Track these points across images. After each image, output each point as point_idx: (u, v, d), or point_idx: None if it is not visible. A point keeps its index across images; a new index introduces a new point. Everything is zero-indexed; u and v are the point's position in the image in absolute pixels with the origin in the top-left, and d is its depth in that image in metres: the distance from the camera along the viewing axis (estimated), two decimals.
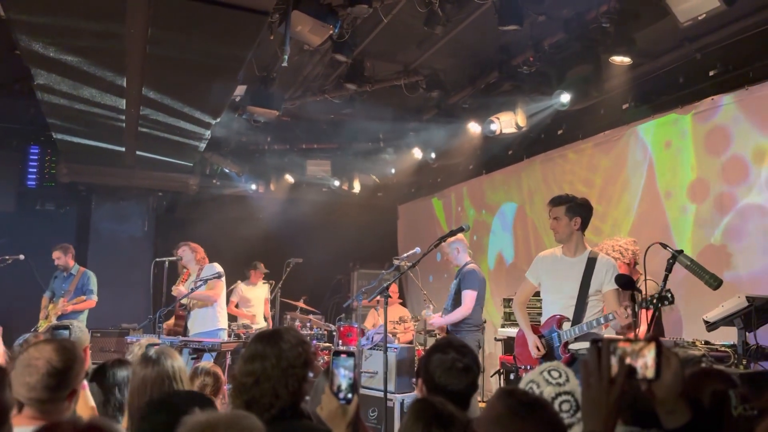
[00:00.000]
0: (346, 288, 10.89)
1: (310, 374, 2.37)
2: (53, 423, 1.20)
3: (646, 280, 3.68)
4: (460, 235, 5.69)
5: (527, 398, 1.80)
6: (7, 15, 4.38)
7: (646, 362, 1.46)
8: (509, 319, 6.69)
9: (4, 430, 1.43)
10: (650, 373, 1.46)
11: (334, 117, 8.20)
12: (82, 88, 5.50)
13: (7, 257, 7.42)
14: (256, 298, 8.56)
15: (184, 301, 6.29)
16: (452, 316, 5.78)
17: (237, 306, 8.48)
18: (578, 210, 4.18)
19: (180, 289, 6.30)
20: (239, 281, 8.57)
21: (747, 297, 4.16)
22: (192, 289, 6.05)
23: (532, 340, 4.25)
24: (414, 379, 3.05)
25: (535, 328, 4.35)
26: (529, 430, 1.67)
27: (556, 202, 4.24)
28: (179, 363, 2.63)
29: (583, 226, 4.21)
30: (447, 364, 2.36)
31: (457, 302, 5.93)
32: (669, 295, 3.54)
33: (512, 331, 6.04)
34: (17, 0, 4.19)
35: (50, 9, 4.21)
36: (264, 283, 8.70)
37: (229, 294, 7.92)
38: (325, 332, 7.51)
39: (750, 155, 5.33)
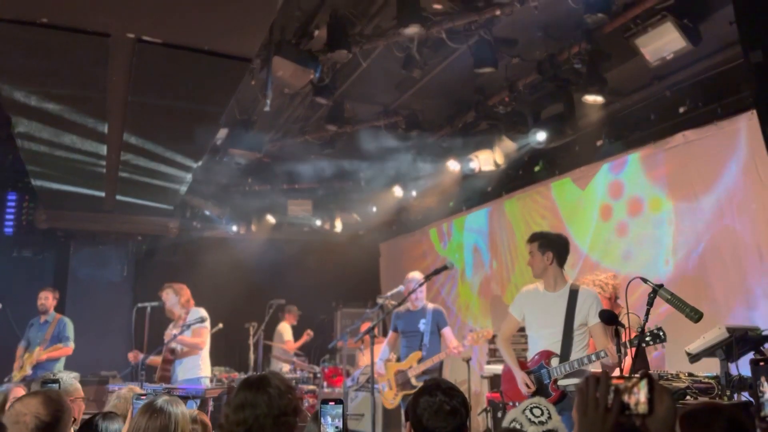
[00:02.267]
0: (330, 328, 10.81)
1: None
2: None
3: (628, 313, 3.72)
4: (420, 276, 5.80)
5: None
6: None
7: (638, 398, 1.48)
8: (494, 356, 6.69)
9: None
10: (643, 409, 1.48)
11: (315, 157, 8.28)
12: (62, 135, 5.50)
13: None
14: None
15: (173, 344, 6.20)
16: (458, 348, 5.89)
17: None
18: (550, 245, 4.27)
19: (172, 333, 6.21)
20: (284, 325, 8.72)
21: (727, 328, 4.22)
22: (175, 336, 5.97)
23: (521, 377, 4.24)
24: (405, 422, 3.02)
25: (522, 364, 4.36)
26: None
27: (530, 238, 4.39)
28: (184, 409, 2.60)
29: (559, 261, 4.27)
30: (435, 407, 2.33)
31: (436, 340, 6.01)
32: (661, 334, 3.60)
33: (498, 368, 6.04)
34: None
35: (32, 57, 4.23)
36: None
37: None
38: (310, 375, 7.42)
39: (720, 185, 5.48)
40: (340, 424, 2.19)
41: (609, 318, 3.40)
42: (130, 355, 6.29)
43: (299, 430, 2.42)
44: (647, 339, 3.63)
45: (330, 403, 2.22)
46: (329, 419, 2.20)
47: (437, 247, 9.77)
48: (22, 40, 4.00)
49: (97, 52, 4.12)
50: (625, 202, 6.45)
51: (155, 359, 6.33)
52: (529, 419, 2.51)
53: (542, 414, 2.47)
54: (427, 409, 2.34)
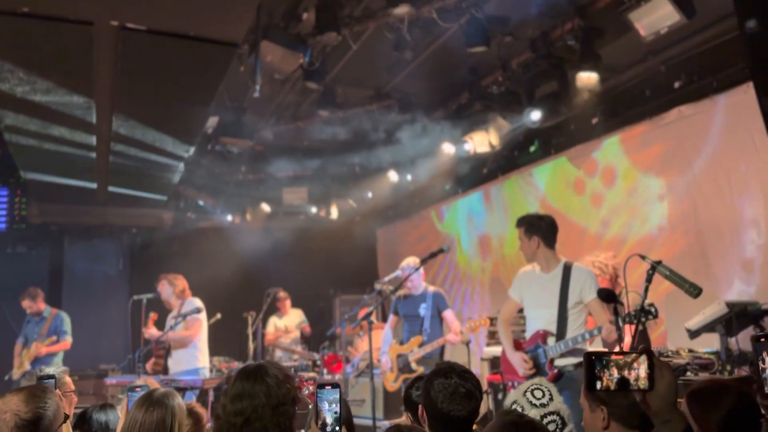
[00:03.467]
0: (328, 315, 10.79)
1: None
2: None
3: (627, 292, 3.69)
4: (416, 261, 5.76)
5: (521, 419, 1.80)
6: None
7: (638, 374, 1.49)
8: (493, 338, 6.67)
9: None
10: (643, 384, 1.48)
11: (308, 144, 8.21)
12: (50, 126, 5.42)
13: None
14: (284, 328, 8.63)
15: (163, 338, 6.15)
16: (457, 337, 5.89)
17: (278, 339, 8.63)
18: (534, 229, 4.27)
19: (151, 331, 6.15)
20: (271, 317, 8.67)
21: (726, 303, 4.21)
22: (171, 327, 5.93)
23: (518, 358, 4.23)
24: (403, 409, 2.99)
25: (519, 344, 4.35)
26: None
27: (517, 223, 4.39)
28: (180, 402, 2.56)
29: (546, 242, 4.26)
30: (450, 389, 2.31)
31: (437, 324, 5.97)
32: (653, 309, 3.56)
33: (497, 350, 6.02)
34: None
35: (15, 48, 4.15)
36: (294, 308, 8.95)
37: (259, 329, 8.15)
38: (309, 362, 7.41)
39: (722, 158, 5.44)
40: (338, 408, 2.16)
41: (607, 296, 3.37)
42: (146, 333, 6.20)
43: (299, 418, 2.39)
44: (638, 316, 3.60)
45: (327, 388, 2.19)
46: (326, 404, 2.17)
47: (434, 230, 9.73)
48: (4, 31, 3.92)
49: (81, 41, 4.04)
50: (622, 180, 6.40)
51: (149, 363, 6.29)
52: (530, 402, 2.48)
53: (543, 396, 2.43)
54: (443, 392, 2.31)
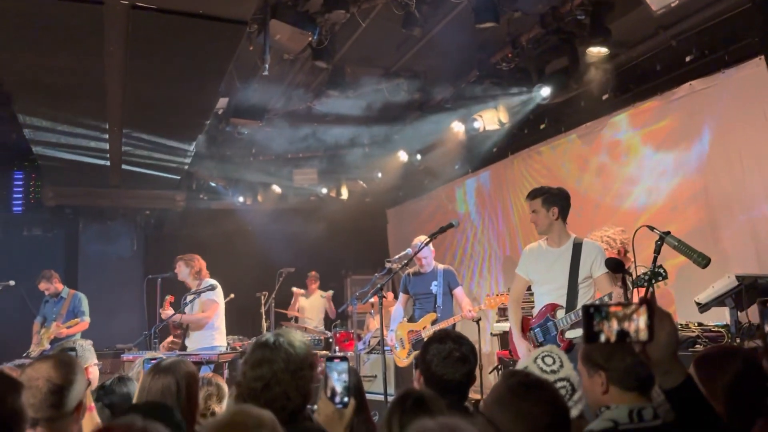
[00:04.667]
0: (340, 295, 10.87)
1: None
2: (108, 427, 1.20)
3: (635, 263, 3.71)
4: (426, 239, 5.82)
5: (528, 379, 1.83)
6: None
7: (638, 325, 1.47)
8: (503, 315, 6.72)
9: None
10: (643, 336, 1.47)
11: (318, 124, 8.22)
12: (63, 109, 5.48)
13: None
14: (311, 307, 8.75)
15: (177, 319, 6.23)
16: (472, 312, 5.91)
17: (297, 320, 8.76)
18: (554, 200, 4.21)
19: (167, 312, 6.20)
20: (298, 291, 9.02)
21: (736, 276, 4.21)
22: (186, 304, 6.00)
23: (525, 348, 4.25)
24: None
25: (528, 320, 4.37)
26: (528, 410, 1.70)
27: (531, 195, 4.30)
28: (190, 369, 2.62)
29: (563, 215, 4.23)
30: (444, 354, 2.38)
31: (448, 301, 6.02)
32: (662, 271, 3.58)
33: (507, 326, 6.06)
34: None
35: (26, 30, 4.19)
36: (320, 291, 9.18)
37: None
38: (322, 339, 7.50)
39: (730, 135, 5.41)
40: (347, 379, 2.21)
41: (615, 265, 3.39)
42: (162, 313, 6.27)
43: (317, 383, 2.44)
44: (647, 278, 3.61)
45: (335, 360, 2.24)
46: (335, 375, 2.21)
47: (444, 210, 9.75)
48: (15, 12, 3.96)
49: (92, 20, 4.08)
50: (633, 156, 6.38)
51: (166, 341, 6.35)
52: (541, 368, 2.51)
53: (554, 362, 2.46)
54: (437, 356, 2.37)
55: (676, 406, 1.61)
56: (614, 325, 1.49)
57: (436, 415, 1.81)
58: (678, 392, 1.57)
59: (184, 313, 6.10)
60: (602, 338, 1.49)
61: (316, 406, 2.38)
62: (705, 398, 1.61)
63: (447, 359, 2.37)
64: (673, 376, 1.55)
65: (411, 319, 6.27)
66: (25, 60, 4.60)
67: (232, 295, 7.23)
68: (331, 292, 9.37)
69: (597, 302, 3.93)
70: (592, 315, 1.49)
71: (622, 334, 1.48)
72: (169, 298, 6.41)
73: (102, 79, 4.95)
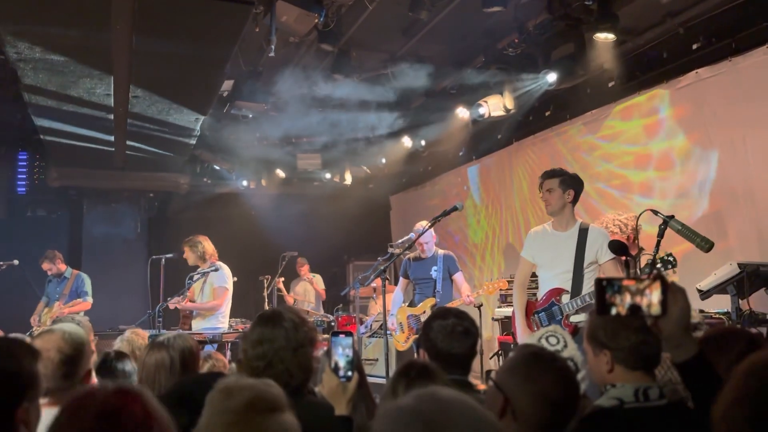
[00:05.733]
0: (342, 281, 10.92)
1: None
2: (76, 396, 1.22)
3: (640, 248, 3.72)
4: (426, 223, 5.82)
5: (541, 351, 1.85)
6: None
7: (651, 300, 1.48)
8: (506, 301, 6.74)
9: (34, 405, 1.46)
10: (656, 310, 1.48)
11: (322, 109, 8.20)
12: (69, 87, 5.48)
13: (1, 263, 7.38)
14: (304, 291, 8.81)
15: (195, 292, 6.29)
16: (471, 297, 5.94)
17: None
18: (571, 183, 4.21)
19: (184, 305, 6.20)
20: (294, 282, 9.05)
21: (738, 264, 4.22)
22: (189, 282, 6.03)
23: (525, 337, 4.27)
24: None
25: (532, 304, 4.37)
26: (537, 375, 1.72)
27: (549, 174, 4.26)
28: (187, 344, 2.65)
29: (575, 200, 4.24)
30: (448, 329, 2.42)
31: (448, 286, 6.06)
32: (671, 259, 3.59)
33: (509, 311, 6.09)
34: (1, 8, 4.18)
35: (34, 7, 4.19)
36: (311, 273, 9.24)
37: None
38: (324, 321, 7.54)
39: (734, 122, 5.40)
40: (351, 354, 2.23)
41: (617, 247, 3.39)
42: (172, 303, 6.28)
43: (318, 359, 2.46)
44: (658, 266, 3.62)
45: (340, 335, 2.26)
46: (340, 349, 2.23)
47: (448, 196, 9.75)
48: None
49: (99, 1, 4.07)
50: (638, 144, 6.37)
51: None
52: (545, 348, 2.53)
53: (558, 342, 2.47)
54: (441, 332, 2.41)
55: (688, 379, 1.63)
56: (627, 299, 1.50)
57: (439, 384, 1.84)
58: (690, 365, 1.60)
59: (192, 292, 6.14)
60: (613, 311, 1.50)
61: (318, 388, 2.40)
62: (716, 371, 1.62)
63: (451, 333, 2.41)
64: (684, 349, 1.57)
65: (411, 304, 6.30)
66: (32, 37, 4.60)
67: (235, 279, 7.26)
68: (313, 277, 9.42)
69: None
70: (605, 288, 1.51)
71: (635, 308, 1.49)
72: (189, 294, 6.38)
73: (108, 57, 4.95)
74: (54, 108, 6.00)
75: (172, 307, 6.16)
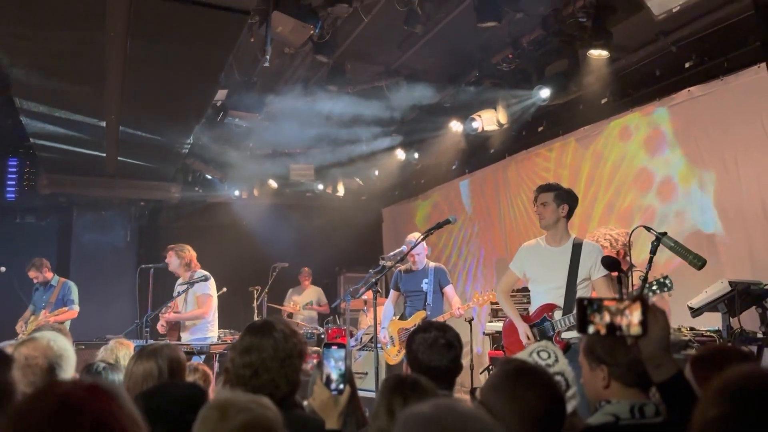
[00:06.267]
0: (333, 292, 10.86)
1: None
2: (45, 384, 1.17)
3: (631, 264, 3.71)
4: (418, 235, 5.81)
5: (524, 365, 1.83)
6: None
7: (630, 320, 1.50)
8: (497, 315, 6.72)
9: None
10: (636, 330, 1.50)
11: (316, 120, 8.20)
12: (62, 94, 5.45)
13: None
14: (303, 303, 8.79)
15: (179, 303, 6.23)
16: (461, 310, 5.91)
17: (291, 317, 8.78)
18: (566, 197, 4.22)
19: (168, 316, 6.16)
20: (291, 290, 8.96)
21: (729, 282, 4.22)
22: (179, 293, 5.98)
23: (523, 329, 4.25)
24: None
25: (525, 318, 4.36)
26: (522, 393, 1.70)
27: (544, 188, 4.28)
28: (175, 355, 2.61)
29: (569, 215, 4.24)
30: (429, 341, 2.42)
31: (439, 299, 6.05)
32: (668, 282, 3.59)
33: (499, 326, 6.07)
34: None
35: (29, 13, 4.17)
36: (313, 286, 9.23)
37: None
38: (314, 333, 7.48)
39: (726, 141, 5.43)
40: (343, 366, 2.20)
41: (610, 263, 3.39)
42: (160, 328, 6.24)
43: (306, 372, 2.43)
44: (653, 288, 3.62)
45: (333, 347, 2.23)
46: (332, 362, 2.21)
47: (440, 210, 9.75)
48: None
49: (94, 6, 4.06)
50: (630, 161, 6.40)
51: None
52: (536, 363, 2.51)
53: (549, 357, 2.46)
54: (422, 344, 2.41)
55: (668, 398, 1.64)
56: (606, 318, 1.52)
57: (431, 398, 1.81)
58: (669, 385, 1.61)
59: (176, 304, 6.09)
60: (591, 329, 1.52)
61: (306, 402, 2.37)
62: (695, 391, 1.64)
63: (433, 346, 2.42)
64: (664, 369, 1.58)
65: (402, 317, 6.27)
66: (25, 42, 4.58)
67: (225, 289, 7.21)
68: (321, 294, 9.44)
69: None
70: (586, 307, 1.54)
71: (613, 328, 1.51)
72: (172, 304, 6.34)
73: (102, 64, 4.92)
74: (46, 114, 5.95)
75: (164, 321, 6.12)
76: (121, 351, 3.58)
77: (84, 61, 4.90)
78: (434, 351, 2.41)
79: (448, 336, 2.46)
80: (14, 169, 9.53)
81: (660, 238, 3.41)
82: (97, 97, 5.59)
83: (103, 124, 6.29)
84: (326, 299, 9.37)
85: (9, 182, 9.52)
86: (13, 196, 9.51)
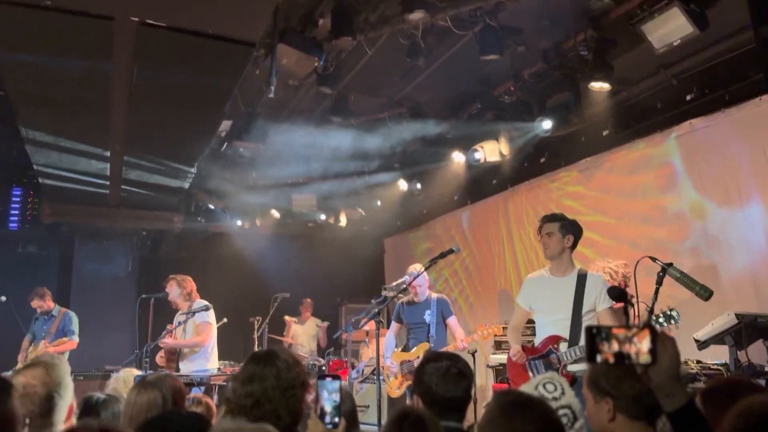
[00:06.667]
0: (334, 323, 10.78)
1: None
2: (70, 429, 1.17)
3: (638, 299, 3.68)
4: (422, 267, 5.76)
5: (520, 398, 1.80)
6: None
7: (639, 348, 1.47)
8: (500, 347, 6.66)
9: None
10: (645, 359, 1.47)
11: (319, 150, 8.25)
12: (67, 124, 5.49)
13: None
14: (304, 334, 8.72)
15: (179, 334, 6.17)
16: (465, 342, 5.83)
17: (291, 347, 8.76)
18: (571, 228, 4.21)
19: (166, 341, 6.12)
20: (291, 320, 8.88)
21: (736, 314, 4.19)
22: (180, 323, 5.94)
23: (513, 350, 4.23)
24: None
25: (530, 350, 4.30)
26: (521, 428, 1.67)
27: (549, 218, 4.27)
28: (176, 385, 2.58)
29: (574, 246, 4.23)
30: (442, 371, 2.36)
31: (442, 330, 5.99)
32: (675, 314, 3.56)
33: (503, 358, 6.00)
34: (4, 38, 4.21)
35: (37, 42, 4.22)
36: (314, 318, 9.16)
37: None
38: (316, 365, 7.40)
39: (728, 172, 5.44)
40: (338, 399, 2.15)
41: (618, 295, 3.36)
42: (161, 342, 6.17)
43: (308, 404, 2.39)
44: (660, 320, 3.59)
45: (327, 379, 2.19)
46: (326, 394, 2.16)
47: (441, 241, 9.73)
48: (27, 24, 4.00)
49: (101, 36, 4.11)
50: (632, 192, 6.40)
51: (161, 360, 6.25)
52: (542, 395, 2.47)
53: (555, 389, 2.41)
54: (435, 374, 2.34)
55: (680, 428, 1.60)
56: (614, 346, 1.50)
57: None
58: (681, 415, 1.57)
59: (175, 335, 6.04)
60: (599, 358, 1.50)
61: None
62: (707, 421, 1.60)
63: (446, 376, 2.35)
64: (675, 398, 1.55)
65: (405, 349, 6.20)
66: (32, 72, 4.63)
67: (225, 320, 7.16)
68: (326, 324, 9.35)
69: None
70: (594, 335, 1.51)
71: (621, 357, 1.48)
72: (170, 327, 6.31)
73: (107, 94, 4.97)
74: (50, 144, 5.99)
75: (162, 353, 6.06)
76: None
77: (90, 90, 4.95)
78: (448, 381, 2.35)
79: (459, 365, 2.41)
80: (17, 199, 9.58)
81: (666, 269, 3.39)
82: (102, 127, 5.63)
83: (108, 153, 6.32)
84: (325, 330, 9.30)
85: (12, 212, 9.55)
86: (15, 225, 9.54)
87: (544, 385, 2.47)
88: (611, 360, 1.49)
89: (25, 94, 4.92)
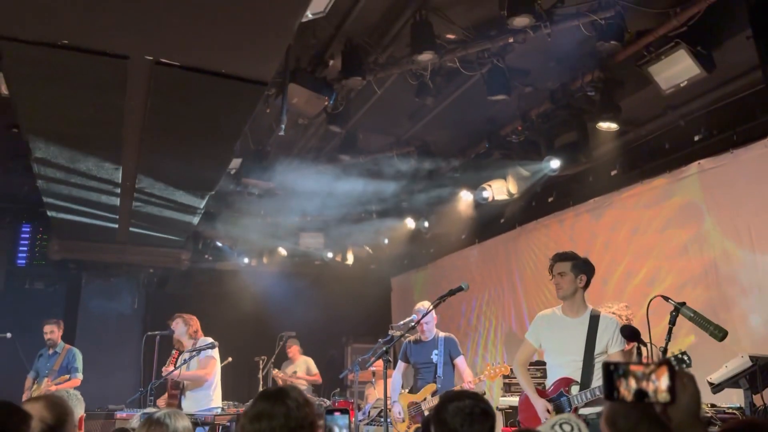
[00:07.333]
0: (340, 364, 10.65)
1: None
2: None
3: (650, 336, 3.63)
4: (429, 305, 5.67)
5: None
6: (9, 91, 4.48)
7: (658, 386, 1.45)
8: (509, 390, 6.53)
9: None
10: (664, 397, 1.44)
11: (328, 189, 8.29)
12: (79, 160, 5.54)
13: None
14: (301, 373, 8.63)
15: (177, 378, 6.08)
16: (472, 383, 5.71)
17: None
18: (584, 267, 4.13)
19: (170, 369, 6.07)
20: (278, 374, 8.79)
21: (750, 356, 4.11)
22: (185, 360, 5.88)
23: (542, 405, 4.08)
24: None
25: (541, 393, 4.21)
26: None
27: (562, 257, 4.18)
28: (186, 424, 2.54)
29: (586, 285, 4.15)
30: (466, 410, 2.24)
31: (449, 371, 5.87)
32: (686, 358, 3.50)
33: (513, 401, 5.89)
34: (20, 76, 4.29)
35: (52, 80, 4.30)
36: (303, 356, 8.95)
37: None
38: (321, 405, 7.29)
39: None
40: None
41: (631, 334, 3.31)
42: (164, 370, 6.12)
43: None
44: (672, 363, 3.52)
45: (336, 414, 2.15)
46: (336, 429, 2.13)
47: (449, 280, 9.67)
48: (42, 63, 4.06)
49: (116, 74, 4.18)
50: (642, 233, 6.37)
51: (162, 401, 6.18)
52: None
53: (572, 430, 2.35)
54: (459, 414, 2.23)
55: None
56: (632, 384, 1.48)
57: None
58: None
59: (178, 383, 5.97)
60: (616, 396, 1.47)
61: None
62: None
63: (471, 415, 2.24)
64: None
65: (412, 390, 6.08)
66: (47, 110, 4.70)
67: (230, 359, 7.08)
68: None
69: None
70: (612, 372, 1.49)
71: (641, 394, 1.45)
72: (174, 353, 6.27)
73: (120, 132, 5.03)
74: (61, 180, 6.04)
75: (164, 372, 5.98)
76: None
77: (103, 128, 5.01)
78: (475, 421, 2.23)
79: (482, 404, 2.29)
80: (26, 236, 9.64)
81: (679, 309, 3.34)
82: (113, 164, 5.68)
83: (118, 191, 6.37)
84: (316, 369, 9.09)
85: (21, 248, 9.60)
86: (24, 262, 9.57)
87: (560, 425, 2.41)
88: (629, 398, 1.46)
89: (39, 130, 4.98)
